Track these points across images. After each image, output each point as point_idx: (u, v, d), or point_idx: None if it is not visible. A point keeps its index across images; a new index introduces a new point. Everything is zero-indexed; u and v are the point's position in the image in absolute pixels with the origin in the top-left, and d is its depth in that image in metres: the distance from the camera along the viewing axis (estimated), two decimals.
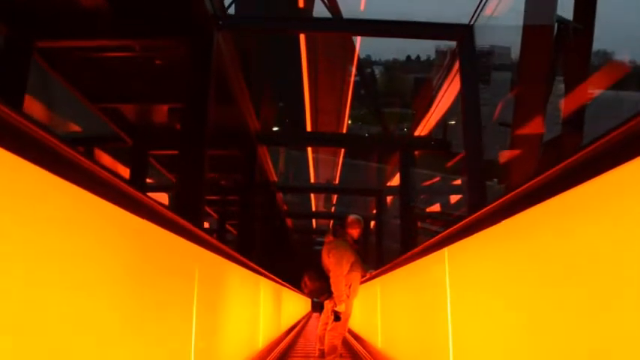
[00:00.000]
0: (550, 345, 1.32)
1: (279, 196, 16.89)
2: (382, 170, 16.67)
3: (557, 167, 1.20)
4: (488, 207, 1.70)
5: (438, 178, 16.50)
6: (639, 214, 0.96)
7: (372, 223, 17.04)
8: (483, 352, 1.88)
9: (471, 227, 1.92)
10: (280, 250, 18.82)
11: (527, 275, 1.48)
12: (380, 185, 16.63)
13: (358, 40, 20.24)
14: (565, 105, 6.71)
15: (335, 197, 21.40)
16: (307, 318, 16.54)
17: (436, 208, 16.46)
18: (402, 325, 3.84)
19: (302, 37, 17.87)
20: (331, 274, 4.78)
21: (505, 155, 7.19)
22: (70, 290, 1.16)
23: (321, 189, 19.61)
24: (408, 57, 74.06)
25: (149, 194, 1.64)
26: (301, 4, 15.25)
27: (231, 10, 8.19)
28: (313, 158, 18.56)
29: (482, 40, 7.42)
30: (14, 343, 0.95)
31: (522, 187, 1.43)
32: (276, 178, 15.00)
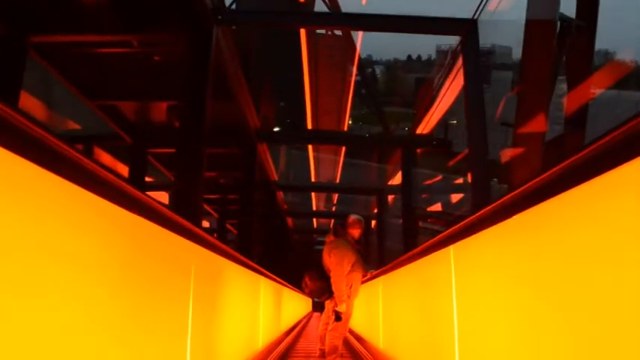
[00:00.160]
0: (563, 344, 1.26)
1: (280, 194, 16.85)
2: (383, 169, 16.67)
3: (577, 156, 1.16)
4: (498, 202, 1.63)
5: (439, 178, 16.49)
6: None
7: (373, 222, 16.99)
8: (491, 352, 1.81)
9: (479, 224, 1.86)
10: (281, 249, 18.77)
11: (539, 273, 1.41)
12: (381, 184, 16.60)
13: (359, 40, 20.23)
14: (567, 103, 6.67)
15: (336, 196, 21.38)
16: (308, 318, 16.52)
17: (437, 207, 16.45)
18: (404, 325, 3.79)
19: (303, 37, 17.85)
20: (332, 274, 4.78)
21: (507, 154, 7.14)
22: (58, 290, 1.12)
23: (321, 188, 19.61)
24: (409, 56, 74.21)
25: (149, 193, 1.63)
26: None
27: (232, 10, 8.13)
28: (314, 157, 18.55)
29: (483, 39, 7.36)
30: (8, 338, 0.95)
31: (535, 180, 1.35)
32: (276, 177, 14.94)
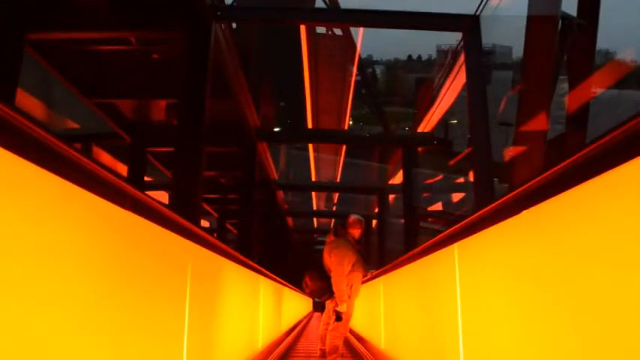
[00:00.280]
0: (573, 343, 1.22)
1: (280, 194, 16.81)
2: (384, 169, 16.65)
3: (591, 147, 1.12)
4: (505, 197, 1.57)
5: (439, 177, 16.47)
6: None
7: (374, 222, 16.96)
8: (497, 352, 1.76)
9: (485, 221, 1.80)
10: (281, 249, 18.72)
11: (548, 270, 1.36)
12: (382, 183, 16.56)
13: (359, 40, 20.18)
14: (569, 102, 6.64)
15: (336, 196, 21.35)
16: (309, 318, 16.49)
17: (437, 206, 16.42)
18: (407, 325, 3.74)
19: (303, 36, 17.80)
20: (332, 274, 4.80)
21: (509, 153, 7.11)
22: (52, 290, 1.10)
23: (322, 187, 19.57)
24: (410, 56, 74.13)
25: (149, 193, 1.62)
26: None
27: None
28: (314, 157, 18.51)
29: (484, 39, 7.30)
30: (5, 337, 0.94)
31: (547, 173, 1.29)
32: (276, 176, 14.89)
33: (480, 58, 7.17)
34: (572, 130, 6.72)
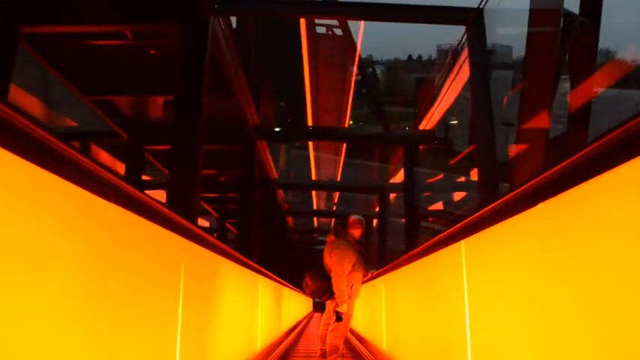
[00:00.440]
0: (588, 343, 1.15)
1: (280, 193, 16.72)
2: (384, 168, 16.59)
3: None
4: (517, 190, 1.48)
5: (440, 176, 16.41)
6: None
7: (375, 221, 16.89)
8: (507, 352, 1.68)
9: (493, 216, 1.71)
10: (281, 249, 18.65)
11: (563, 268, 1.27)
12: (383, 183, 16.49)
13: (359, 40, 20.11)
14: (571, 101, 6.58)
15: (337, 196, 21.29)
16: (309, 318, 16.44)
17: (438, 206, 16.36)
18: (410, 326, 3.65)
19: (303, 36, 17.71)
20: (333, 275, 4.82)
21: (511, 151, 7.06)
22: (45, 289, 1.07)
23: (322, 186, 19.50)
24: (410, 56, 74.16)
25: (147, 192, 1.58)
26: None
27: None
28: (314, 157, 18.44)
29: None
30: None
31: (563, 164, 1.20)
32: (276, 175, 14.80)
33: (484, 52, 7.07)
34: (573, 129, 6.67)
